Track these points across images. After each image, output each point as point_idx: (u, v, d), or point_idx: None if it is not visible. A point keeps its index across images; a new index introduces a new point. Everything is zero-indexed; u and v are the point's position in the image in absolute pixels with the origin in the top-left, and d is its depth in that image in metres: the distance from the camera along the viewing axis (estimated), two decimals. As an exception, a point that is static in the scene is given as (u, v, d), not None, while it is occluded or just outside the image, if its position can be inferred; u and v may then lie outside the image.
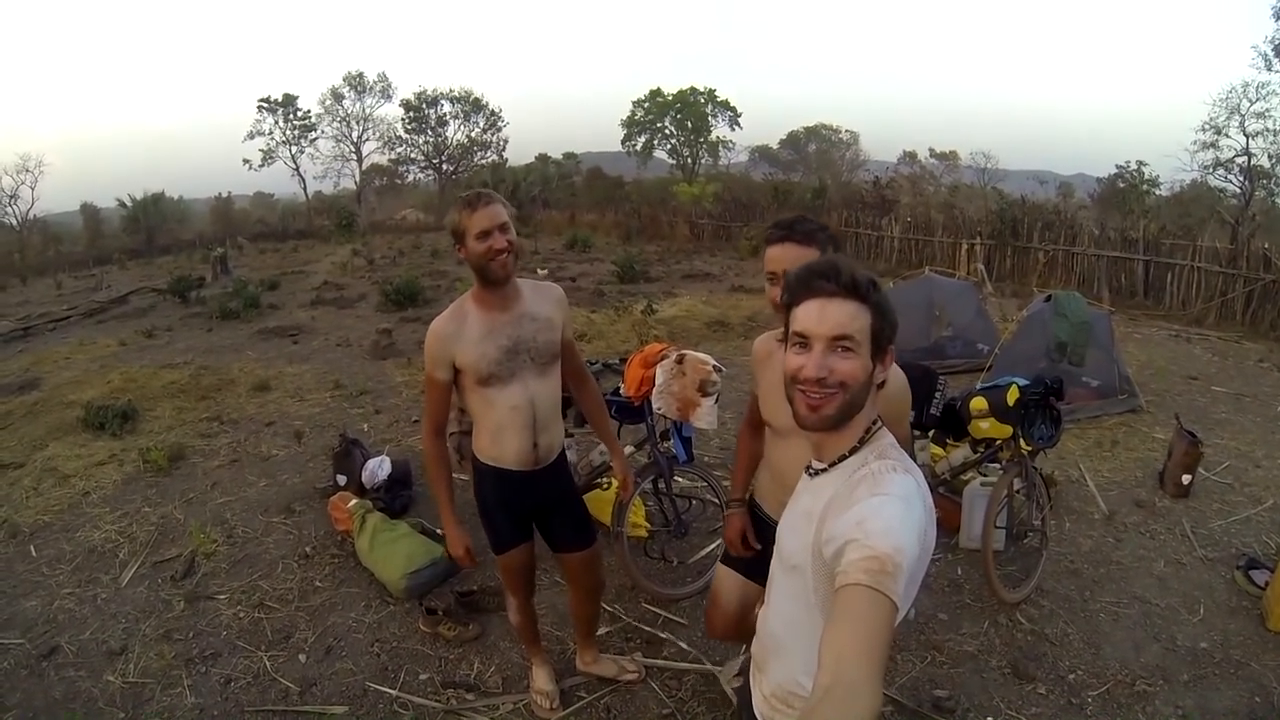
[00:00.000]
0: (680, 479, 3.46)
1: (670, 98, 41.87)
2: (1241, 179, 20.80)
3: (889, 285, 7.25)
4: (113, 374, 6.81)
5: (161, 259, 22.28)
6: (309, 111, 39.20)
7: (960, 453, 3.44)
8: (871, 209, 17.14)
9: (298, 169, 39.44)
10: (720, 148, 43.33)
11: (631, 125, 42.67)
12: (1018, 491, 3.16)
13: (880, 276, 1.25)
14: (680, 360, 2.94)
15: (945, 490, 3.54)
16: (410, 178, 43.90)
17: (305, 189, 40.46)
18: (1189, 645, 2.77)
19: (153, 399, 5.98)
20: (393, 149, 41.21)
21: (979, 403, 3.10)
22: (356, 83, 39.59)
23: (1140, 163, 27.06)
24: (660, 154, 43.60)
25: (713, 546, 3.41)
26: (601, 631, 2.78)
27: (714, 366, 2.89)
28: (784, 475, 1.71)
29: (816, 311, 1.10)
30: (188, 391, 6.20)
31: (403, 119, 40.32)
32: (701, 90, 41.84)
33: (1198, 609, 3.00)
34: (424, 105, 40.36)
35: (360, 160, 40.53)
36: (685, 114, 41.70)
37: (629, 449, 3.17)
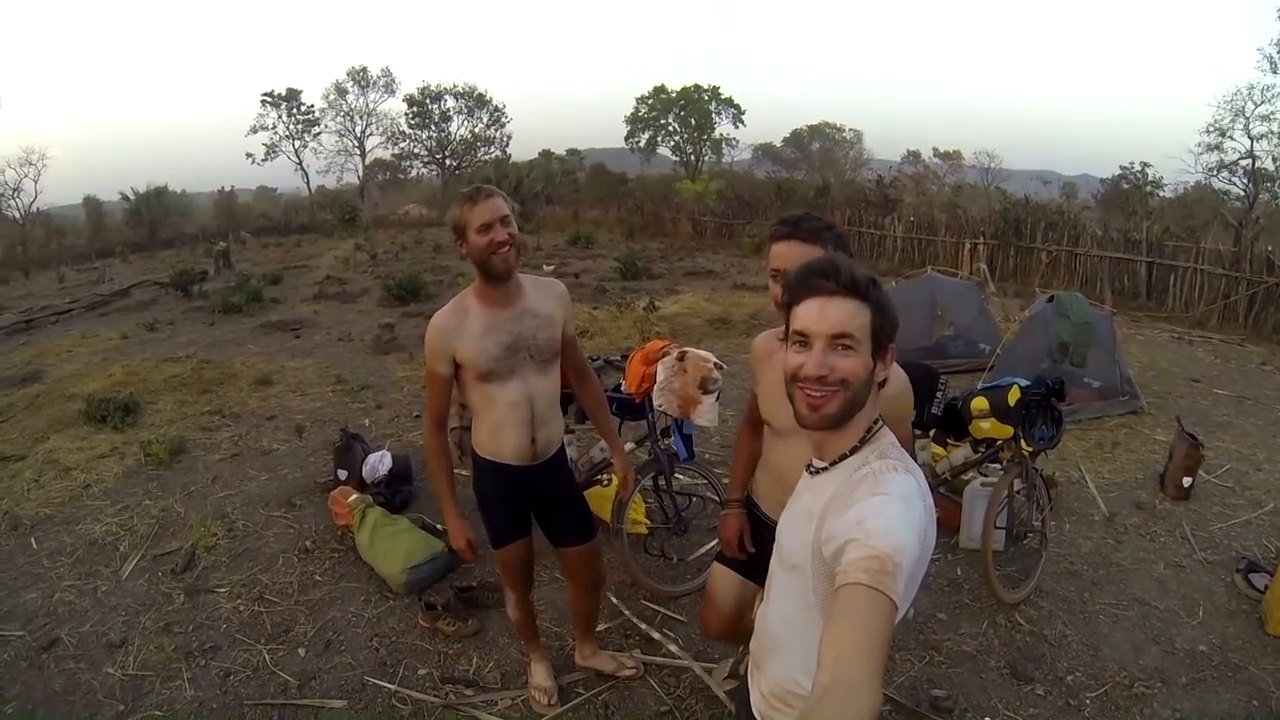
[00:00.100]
0: (681, 476, 3.46)
1: (674, 95, 41.79)
2: (1245, 181, 20.77)
3: (892, 284, 7.25)
4: (114, 367, 6.82)
5: (164, 252, 22.26)
6: (312, 106, 39.25)
7: (961, 452, 3.44)
8: (875, 208, 17.12)
9: (301, 163, 39.48)
10: (724, 145, 43.28)
11: (635, 122, 42.60)
12: (1018, 492, 3.16)
13: (883, 275, 1.25)
14: (682, 357, 2.93)
15: (946, 490, 3.54)
16: (413, 173, 43.96)
17: (308, 183, 40.52)
18: (1188, 648, 2.77)
19: (154, 392, 5.99)
20: (396, 144, 41.23)
21: (980, 403, 3.09)
22: (360, 77, 39.59)
23: (1144, 164, 27.10)
24: (664, 151, 43.58)
25: (712, 544, 3.40)
26: (601, 628, 2.78)
27: (715, 364, 2.89)
28: (782, 475, 1.70)
29: (816, 310, 1.10)
30: (189, 385, 6.20)
31: (406, 114, 40.32)
32: (705, 87, 41.76)
33: (1197, 612, 2.99)
34: (427, 100, 40.32)
35: (363, 155, 40.54)
36: (689, 111, 41.61)
37: (630, 446, 3.17)
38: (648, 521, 3.40)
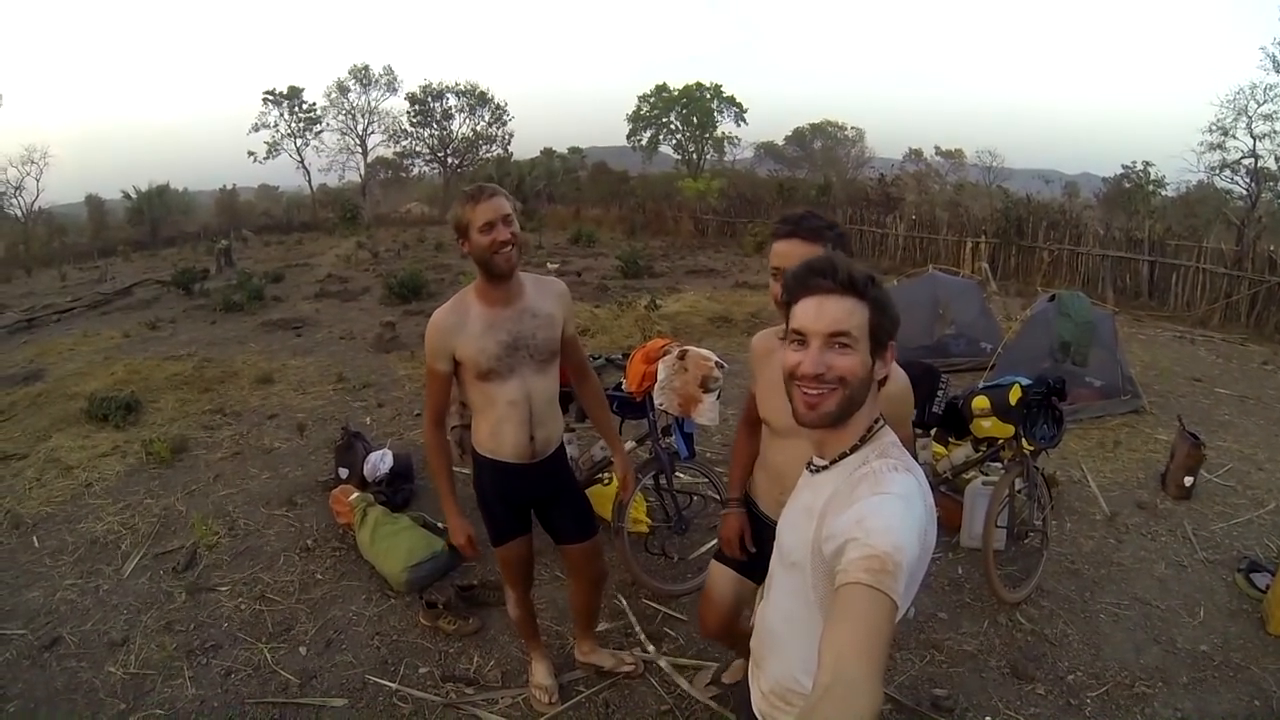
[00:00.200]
0: (681, 475, 3.46)
1: (676, 93, 41.72)
2: (1248, 181, 20.70)
3: (893, 283, 7.25)
4: (116, 365, 6.83)
5: (166, 251, 22.30)
6: (314, 104, 39.11)
7: (962, 451, 3.44)
8: (876, 206, 17.13)
9: (302, 162, 39.39)
10: (726, 144, 43.18)
11: (637, 120, 42.54)
12: (1019, 491, 3.15)
13: (884, 274, 1.25)
14: (683, 356, 2.93)
15: (947, 489, 3.53)
16: (415, 171, 43.81)
17: (310, 182, 40.41)
18: (1189, 648, 2.76)
19: (156, 391, 6.00)
20: (398, 142, 41.12)
21: (981, 401, 3.09)
22: (362, 76, 39.49)
23: (1146, 163, 26.98)
24: (665, 149, 43.50)
25: (713, 543, 3.40)
26: (602, 628, 2.78)
27: (716, 363, 2.89)
28: (781, 474, 1.70)
29: (814, 308, 1.10)
30: (191, 383, 6.21)
31: (408, 112, 40.22)
32: (708, 86, 41.68)
33: (1198, 611, 2.99)
34: (429, 99, 40.25)
35: (365, 153, 40.44)
36: (691, 110, 41.54)
37: (630, 444, 3.17)
38: (648, 520, 3.40)
